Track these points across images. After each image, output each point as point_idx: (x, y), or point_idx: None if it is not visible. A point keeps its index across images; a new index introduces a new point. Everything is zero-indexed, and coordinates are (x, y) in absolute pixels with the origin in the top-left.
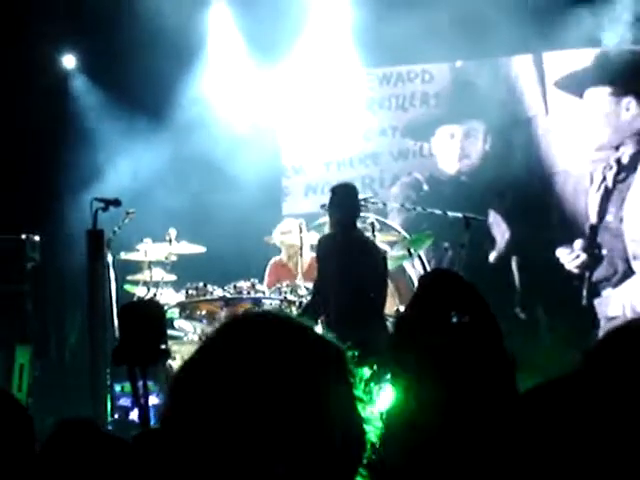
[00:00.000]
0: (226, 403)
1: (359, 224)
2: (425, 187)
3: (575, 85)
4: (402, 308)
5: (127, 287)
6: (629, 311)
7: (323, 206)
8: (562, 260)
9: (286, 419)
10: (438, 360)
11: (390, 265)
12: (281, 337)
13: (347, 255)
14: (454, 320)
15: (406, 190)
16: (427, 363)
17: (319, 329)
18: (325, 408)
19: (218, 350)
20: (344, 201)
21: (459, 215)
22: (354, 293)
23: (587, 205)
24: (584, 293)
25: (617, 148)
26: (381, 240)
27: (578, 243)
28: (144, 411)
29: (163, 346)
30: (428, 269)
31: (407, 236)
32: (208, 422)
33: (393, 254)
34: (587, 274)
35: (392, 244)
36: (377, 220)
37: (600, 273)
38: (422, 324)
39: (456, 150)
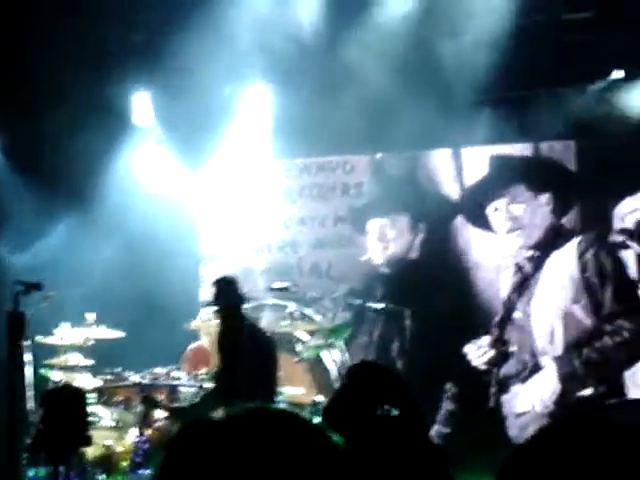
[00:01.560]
0: None
1: (278, 312)
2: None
3: (492, 183)
4: (318, 398)
5: (43, 371)
6: (538, 406)
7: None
8: (470, 356)
9: None
10: (364, 451)
11: (308, 354)
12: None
13: (248, 344)
14: (380, 413)
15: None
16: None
17: None
18: None
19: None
20: (233, 292)
21: (380, 306)
22: (256, 380)
23: (497, 300)
24: (492, 390)
25: (530, 245)
26: (300, 329)
27: (485, 339)
28: None
29: (85, 432)
30: (347, 360)
31: (326, 326)
32: None
33: (312, 344)
34: (495, 370)
35: (311, 333)
36: (296, 309)
37: (508, 369)
38: (349, 416)
39: (377, 242)
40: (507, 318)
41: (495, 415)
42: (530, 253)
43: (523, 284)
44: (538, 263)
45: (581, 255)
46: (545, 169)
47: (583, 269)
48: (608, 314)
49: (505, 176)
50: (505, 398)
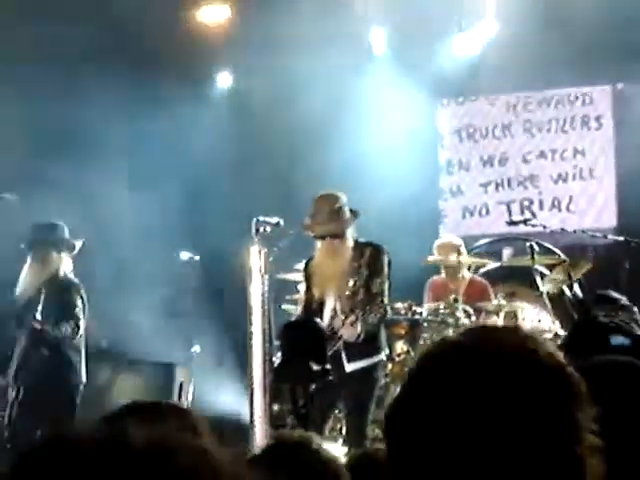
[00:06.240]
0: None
1: (518, 246)
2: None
3: None
4: (560, 332)
5: (285, 307)
6: None
7: None
8: None
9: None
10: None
11: (549, 288)
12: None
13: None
14: (614, 343)
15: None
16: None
17: None
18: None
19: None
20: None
21: (619, 238)
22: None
23: None
24: None
25: None
26: (541, 263)
27: None
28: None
29: (325, 365)
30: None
31: (566, 260)
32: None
33: (552, 277)
34: None
35: (551, 267)
36: (537, 243)
37: None
38: (585, 347)
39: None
40: None
41: None
42: None
43: None
44: None
45: None
46: None
47: None
48: None
49: None
50: None
